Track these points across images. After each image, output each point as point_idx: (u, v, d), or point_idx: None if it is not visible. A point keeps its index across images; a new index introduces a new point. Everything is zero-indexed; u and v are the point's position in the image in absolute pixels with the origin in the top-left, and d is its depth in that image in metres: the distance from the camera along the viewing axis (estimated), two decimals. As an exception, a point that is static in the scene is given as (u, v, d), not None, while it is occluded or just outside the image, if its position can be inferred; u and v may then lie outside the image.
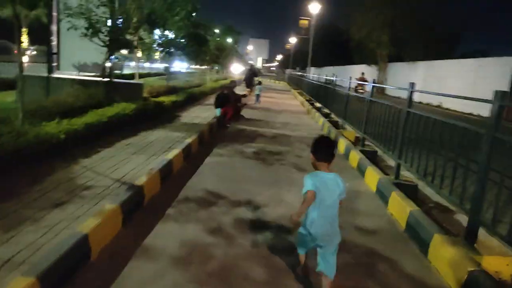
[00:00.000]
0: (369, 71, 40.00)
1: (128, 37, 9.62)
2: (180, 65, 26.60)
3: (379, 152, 7.22)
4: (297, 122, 12.10)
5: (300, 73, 33.56)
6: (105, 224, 3.29)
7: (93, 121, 6.98)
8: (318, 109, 14.78)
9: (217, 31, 26.55)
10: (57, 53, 10.06)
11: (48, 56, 9.96)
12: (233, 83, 23.10)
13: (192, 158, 6.60)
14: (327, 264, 2.73)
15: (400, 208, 4.44)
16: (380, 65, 35.35)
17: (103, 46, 8.75)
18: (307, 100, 19.00)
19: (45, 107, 6.83)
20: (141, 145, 6.92)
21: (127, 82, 10.75)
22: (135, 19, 10.29)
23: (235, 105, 10.70)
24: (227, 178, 5.59)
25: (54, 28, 9.87)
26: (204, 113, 12.00)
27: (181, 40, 13.42)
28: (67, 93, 8.42)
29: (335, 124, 10.97)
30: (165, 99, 11.75)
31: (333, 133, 9.41)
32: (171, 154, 5.70)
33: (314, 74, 30.99)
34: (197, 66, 22.04)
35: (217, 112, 10.24)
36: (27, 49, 22.72)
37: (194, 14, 13.16)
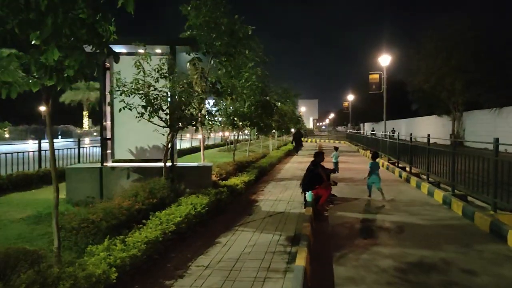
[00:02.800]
0: (439, 123, 36.32)
1: (192, 110, 7.79)
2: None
3: None
4: (405, 199, 9.32)
5: (374, 131, 30.60)
6: None
7: (157, 235, 4.87)
8: (418, 176, 11.99)
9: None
10: (112, 138, 8.42)
11: (101, 143, 8.36)
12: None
13: (310, 292, 4.14)
14: (377, 186, 9.17)
15: None
16: (455, 115, 31.62)
17: (163, 126, 6.92)
18: (391, 163, 16.20)
19: (92, 221, 4.84)
20: (226, 267, 4.67)
21: (194, 166, 8.81)
22: (199, 90, 8.57)
23: (329, 184, 8.23)
24: None
25: (108, 108, 8.39)
26: (284, 194, 9.72)
27: (250, 109, 11.41)
28: (123, 192, 6.53)
29: (463, 199, 8.21)
30: (237, 181, 9.68)
31: (485, 220, 6.57)
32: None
33: (368, 129, 28.03)
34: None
35: (308, 196, 7.80)
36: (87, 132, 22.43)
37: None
